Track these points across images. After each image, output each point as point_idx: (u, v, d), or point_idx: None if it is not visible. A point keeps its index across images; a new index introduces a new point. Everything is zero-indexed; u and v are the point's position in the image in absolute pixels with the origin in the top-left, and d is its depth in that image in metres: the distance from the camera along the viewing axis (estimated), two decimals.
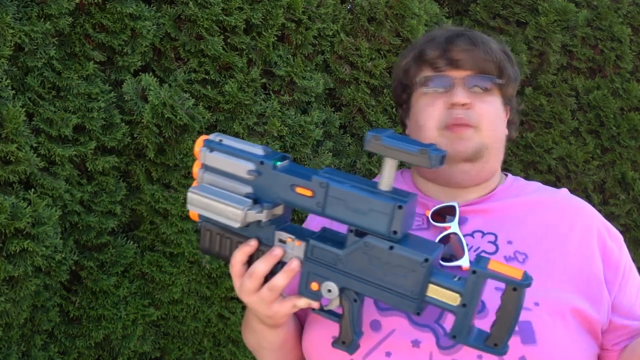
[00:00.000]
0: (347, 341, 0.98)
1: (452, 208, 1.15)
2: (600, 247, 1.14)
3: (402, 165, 1.20)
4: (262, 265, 0.96)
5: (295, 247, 0.96)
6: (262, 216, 0.93)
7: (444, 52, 1.17)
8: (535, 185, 1.26)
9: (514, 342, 0.98)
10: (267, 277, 0.97)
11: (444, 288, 0.88)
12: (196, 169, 0.98)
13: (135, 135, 1.87)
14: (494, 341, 0.87)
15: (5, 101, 1.57)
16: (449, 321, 1.02)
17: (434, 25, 2.42)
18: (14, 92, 1.60)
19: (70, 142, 1.75)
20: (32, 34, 1.60)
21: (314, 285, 0.95)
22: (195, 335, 2.16)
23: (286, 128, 2.02)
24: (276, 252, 0.95)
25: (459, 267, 1.08)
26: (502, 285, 0.88)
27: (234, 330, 2.16)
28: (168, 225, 1.94)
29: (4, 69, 1.58)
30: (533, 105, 2.89)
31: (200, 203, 0.95)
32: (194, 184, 0.99)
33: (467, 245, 1.10)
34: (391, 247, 0.89)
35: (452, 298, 0.88)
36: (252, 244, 0.97)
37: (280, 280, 0.95)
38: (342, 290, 0.94)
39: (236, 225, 0.92)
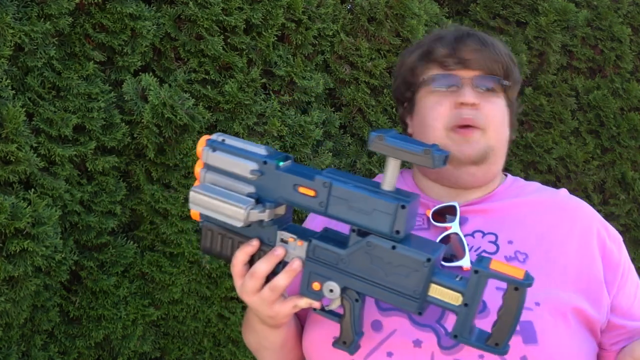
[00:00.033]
0: (347, 341, 0.98)
1: (453, 208, 1.15)
2: (600, 248, 1.14)
3: (402, 165, 1.20)
4: (263, 265, 0.96)
5: (297, 247, 0.96)
6: (265, 216, 0.93)
7: (454, 51, 1.17)
8: (535, 185, 1.26)
9: (516, 342, 0.98)
10: (269, 277, 0.97)
11: (446, 288, 0.88)
12: (198, 169, 0.98)
13: (135, 135, 1.87)
14: (495, 341, 0.88)
15: (5, 101, 1.57)
16: (450, 321, 1.02)
17: (434, 25, 2.42)
18: (14, 92, 1.60)
19: (70, 142, 1.75)
20: (32, 34, 1.60)
21: (316, 285, 0.95)
22: (195, 335, 2.16)
23: (286, 128, 2.02)
24: (278, 252, 0.95)
25: (460, 267, 1.08)
26: (503, 285, 0.88)
27: (234, 330, 2.16)
28: (168, 225, 1.94)
29: (4, 69, 1.58)
30: (533, 105, 2.89)
31: (202, 202, 0.95)
32: (196, 183, 0.99)
33: (467, 245, 1.10)
34: (394, 247, 0.89)
35: (454, 298, 0.88)
36: (254, 244, 0.97)
37: (282, 280, 0.95)
38: (343, 290, 0.94)
39: (239, 224, 0.92)
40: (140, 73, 1.86)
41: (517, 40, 2.75)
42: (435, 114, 1.16)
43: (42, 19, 1.64)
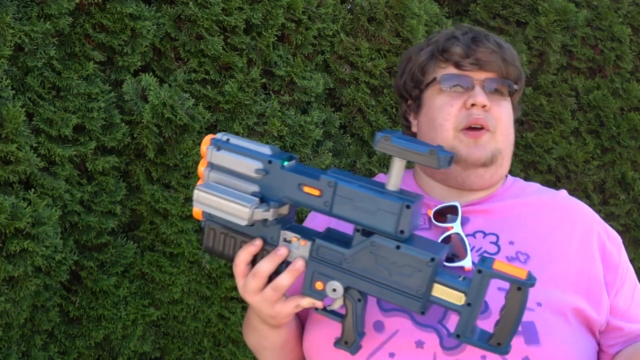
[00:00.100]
0: (349, 341, 0.98)
1: (454, 208, 1.15)
2: (600, 250, 1.14)
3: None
4: (266, 265, 0.95)
5: (301, 247, 0.96)
6: (269, 215, 0.94)
7: (470, 51, 1.16)
8: (535, 186, 1.26)
9: (518, 342, 0.98)
10: (271, 277, 0.97)
11: (449, 287, 0.89)
12: (202, 168, 0.98)
13: (135, 135, 1.87)
14: (497, 340, 0.88)
15: (5, 101, 1.57)
16: (452, 322, 1.02)
17: (434, 25, 2.42)
18: (14, 92, 1.60)
19: (70, 142, 1.75)
20: (32, 34, 1.60)
21: (319, 285, 0.95)
22: (195, 335, 2.16)
23: (286, 128, 2.02)
24: (281, 252, 0.95)
25: (462, 267, 1.08)
26: (505, 285, 0.88)
27: (234, 330, 2.16)
28: (168, 225, 1.94)
29: (4, 69, 1.58)
30: (533, 105, 2.89)
31: (207, 200, 0.95)
32: (199, 182, 0.99)
33: (469, 245, 1.10)
34: (398, 247, 0.90)
35: (457, 298, 0.88)
36: (257, 244, 0.96)
37: (285, 279, 0.95)
38: (346, 290, 0.94)
39: (243, 223, 0.92)
40: (140, 73, 1.86)
41: (517, 40, 2.75)
42: (445, 114, 1.16)
43: (42, 19, 1.64)
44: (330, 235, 0.97)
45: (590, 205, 1.24)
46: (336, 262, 0.94)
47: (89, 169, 1.81)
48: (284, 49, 2.09)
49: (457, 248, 1.10)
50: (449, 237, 1.12)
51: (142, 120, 1.81)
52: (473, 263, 1.08)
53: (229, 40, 1.94)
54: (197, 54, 1.92)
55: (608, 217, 2.92)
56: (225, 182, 0.96)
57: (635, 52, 2.93)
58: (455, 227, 1.12)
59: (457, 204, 1.15)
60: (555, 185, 2.94)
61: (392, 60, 2.28)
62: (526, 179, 1.31)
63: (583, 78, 2.94)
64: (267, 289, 0.96)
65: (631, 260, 1.23)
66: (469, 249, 1.09)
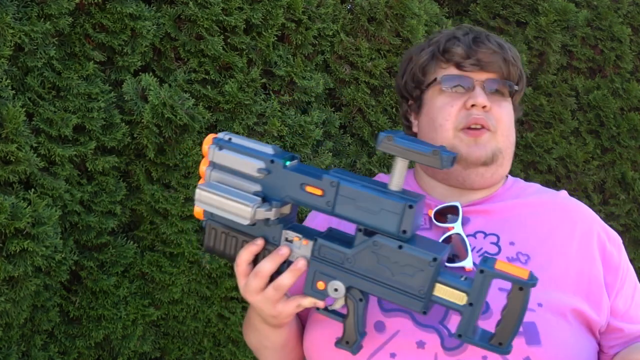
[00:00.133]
0: (350, 341, 0.98)
1: (455, 208, 1.15)
2: (601, 251, 1.14)
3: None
4: (268, 265, 0.95)
5: (303, 246, 0.96)
6: (271, 214, 0.94)
7: (471, 52, 1.16)
8: (535, 186, 1.26)
9: (519, 343, 0.98)
10: (272, 276, 0.97)
11: (451, 287, 0.89)
12: (203, 167, 0.98)
13: (135, 135, 1.87)
14: (499, 340, 0.88)
15: (5, 101, 1.57)
16: (453, 322, 1.02)
17: (434, 25, 2.42)
18: (14, 92, 1.60)
19: (70, 142, 1.75)
20: (32, 34, 1.60)
21: (320, 285, 0.95)
22: (195, 335, 2.16)
23: (286, 128, 2.02)
24: (283, 251, 0.95)
25: (462, 267, 1.08)
26: (506, 285, 0.88)
27: (234, 330, 2.16)
28: (168, 225, 1.94)
29: (4, 69, 1.58)
30: (533, 105, 2.89)
31: (208, 200, 0.95)
32: (200, 181, 0.98)
33: (470, 246, 1.10)
34: (400, 247, 0.90)
35: (458, 297, 0.89)
36: (259, 243, 0.96)
37: (287, 279, 0.95)
38: (348, 290, 0.95)
39: (245, 222, 0.92)
40: (140, 73, 1.86)
41: (517, 40, 2.75)
42: (445, 114, 1.16)
43: (42, 19, 1.64)
44: (332, 235, 0.97)
45: (590, 205, 1.24)
46: (338, 261, 0.94)
47: (89, 169, 1.81)
48: (284, 49, 2.09)
49: (458, 248, 1.10)
50: (449, 237, 1.12)
51: (142, 120, 1.81)
52: (474, 263, 1.08)
53: (229, 40, 1.94)
54: (197, 54, 1.92)
55: (608, 217, 2.93)
56: (227, 181, 0.96)
57: (635, 52, 2.93)
58: (456, 228, 1.12)
59: (457, 204, 1.15)
60: (555, 185, 2.94)
61: (392, 60, 2.28)
62: (526, 179, 1.31)
63: (583, 78, 2.94)
64: (269, 289, 0.96)
65: (631, 260, 1.23)
66: (469, 249, 1.09)
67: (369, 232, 0.92)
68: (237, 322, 2.14)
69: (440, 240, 1.11)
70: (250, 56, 2.00)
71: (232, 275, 2.09)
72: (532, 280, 0.85)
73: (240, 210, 0.92)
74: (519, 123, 2.90)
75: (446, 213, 1.15)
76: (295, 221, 1.01)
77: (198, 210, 0.99)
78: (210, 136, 0.98)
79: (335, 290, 0.95)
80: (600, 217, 1.23)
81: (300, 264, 0.95)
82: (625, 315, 1.12)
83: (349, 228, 0.99)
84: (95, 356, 1.99)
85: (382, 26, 2.25)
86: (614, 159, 2.96)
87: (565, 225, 1.16)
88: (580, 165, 2.94)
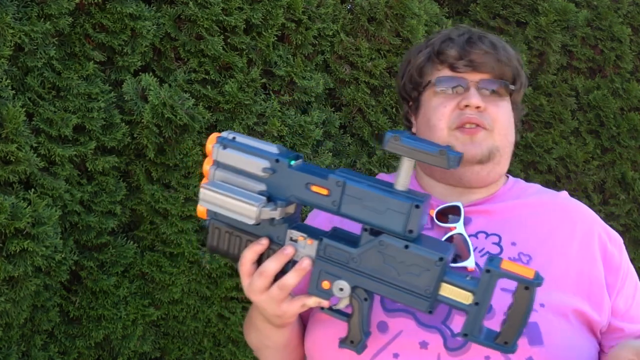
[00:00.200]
0: (355, 341, 0.98)
1: (456, 208, 1.15)
2: (602, 251, 1.14)
3: None
4: (273, 264, 0.95)
5: (307, 246, 0.95)
6: (276, 214, 0.93)
7: (464, 53, 1.17)
8: (536, 187, 1.26)
9: (522, 343, 0.99)
10: (277, 276, 0.97)
11: (457, 287, 0.89)
12: (207, 166, 0.97)
13: (135, 135, 1.87)
14: (504, 339, 0.88)
15: (5, 101, 1.57)
16: (455, 322, 1.02)
17: (434, 25, 2.42)
18: (14, 92, 1.60)
19: (70, 142, 1.75)
20: (32, 34, 1.60)
21: (325, 284, 0.95)
22: (195, 335, 2.16)
23: (286, 128, 2.02)
24: (288, 251, 0.95)
25: (464, 267, 1.08)
26: (508, 286, 0.88)
27: (234, 330, 2.16)
28: (168, 225, 1.94)
29: (4, 69, 1.58)
30: (533, 105, 2.89)
31: (213, 199, 0.95)
32: (204, 181, 0.98)
33: (472, 246, 1.10)
34: (406, 246, 0.90)
35: (464, 297, 0.89)
36: (264, 243, 0.96)
37: (291, 279, 0.95)
38: (353, 289, 0.94)
39: (250, 222, 0.92)
40: (140, 73, 1.86)
41: (517, 40, 2.75)
42: (439, 114, 1.16)
43: (42, 19, 1.64)
44: (337, 235, 0.97)
45: (590, 206, 1.24)
46: (343, 261, 0.94)
47: (89, 169, 1.81)
48: (284, 49, 2.09)
49: (460, 248, 1.10)
50: (451, 237, 1.12)
51: (142, 120, 1.81)
52: (476, 263, 1.08)
53: (229, 40, 1.94)
54: (197, 54, 1.92)
55: (608, 217, 2.93)
56: (232, 180, 0.96)
57: (635, 52, 2.93)
58: (458, 228, 1.12)
59: (459, 204, 1.15)
60: (555, 185, 2.94)
61: (392, 60, 2.28)
62: (526, 179, 1.31)
63: (583, 78, 2.94)
64: (273, 288, 0.96)
65: (631, 260, 1.23)
66: (472, 249, 1.09)
67: (375, 232, 0.92)
68: (237, 322, 2.14)
69: (443, 240, 1.11)
70: (250, 56, 2.00)
71: (232, 275, 2.09)
72: (538, 280, 0.86)
73: (246, 210, 0.92)
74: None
75: (447, 213, 1.15)
76: (299, 220, 1.01)
77: (201, 210, 0.98)
78: (214, 135, 0.97)
79: (341, 289, 0.94)
80: (600, 217, 1.23)
81: (305, 264, 0.95)
82: (626, 315, 1.12)
83: (351, 226, 0.99)
84: (95, 356, 1.99)
85: (382, 26, 2.25)
86: (614, 159, 2.96)
87: (566, 225, 1.16)
88: (580, 165, 2.94)
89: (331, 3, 2.17)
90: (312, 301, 0.97)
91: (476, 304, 0.88)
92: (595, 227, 1.17)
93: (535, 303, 1.01)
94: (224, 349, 2.20)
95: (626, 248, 1.20)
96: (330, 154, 2.15)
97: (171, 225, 1.94)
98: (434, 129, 1.17)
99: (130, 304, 1.97)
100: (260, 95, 2.01)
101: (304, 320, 1.21)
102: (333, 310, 0.98)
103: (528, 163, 2.93)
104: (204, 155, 1.90)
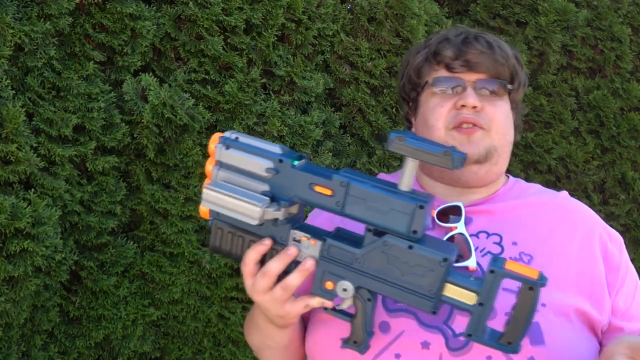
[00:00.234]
0: (358, 341, 0.98)
1: (457, 208, 1.15)
2: (602, 251, 1.14)
3: (402, 165, 1.21)
4: (276, 265, 0.95)
5: (311, 246, 0.95)
6: (280, 214, 0.93)
7: (460, 53, 1.17)
8: (536, 187, 1.26)
9: (523, 343, 0.98)
10: (280, 276, 0.97)
11: (461, 287, 0.89)
12: (210, 166, 0.97)
13: (135, 135, 1.87)
14: (508, 339, 0.89)
15: (5, 101, 1.57)
16: (457, 322, 1.03)
17: (434, 25, 2.42)
18: (14, 92, 1.60)
19: (70, 142, 1.75)
20: (32, 34, 1.60)
21: (329, 285, 0.95)
22: (195, 335, 2.16)
23: (286, 128, 2.02)
24: (291, 251, 0.95)
25: (466, 267, 1.08)
26: (510, 285, 0.88)
27: (234, 330, 2.16)
28: (168, 225, 1.94)
29: (4, 69, 1.58)
30: (533, 105, 2.89)
31: (216, 199, 0.94)
32: (206, 181, 0.98)
33: (473, 246, 1.10)
34: (410, 247, 0.90)
35: (468, 297, 0.89)
36: (267, 243, 0.96)
37: (295, 279, 0.95)
38: (357, 290, 0.94)
39: (254, 222, 0.92)
40: (140, 73, 1.86)
41: (517, 40, 2.75)
42: (436, 114, 1.17)
43: (42, 19, 1.64)
44: (341, 235, 0.97)
45: (590, 206, 1.24)
46: (347, 261, 0.93)
47: (89, 169, 1.81)
48: (284, 49, 2.09)
49: (461, 248, 1.10)
50: (452, 237, 1.12)
51: (142, 120, 1.81)
52: (478, 263, 1.08)
53: (229, 40, 1.94)
54: (197, 54, 1.92)
55: (608, 217, 2.93)
56: (234, 181, 0.96)
57: (635, 52, 2.93)
58: (459, 227, 1.12)
59: (460, 204, 1.15)
60: (555, 185, 2.94)
61: (392, 60, 2.28)
62: (526, 179, 1.31)
63: (583, 78, 2.94)
64: (277, 289, 0.96)
65: (631, 260, 1.23)
66: (473, 249, 1.09)
67: (379, 232, 0.92)
68: (237, 322, 2.14)
69: (444, 240, 1.11)
70: (250, 56, 2.00)
71: (232, 275, 2.09)
72: (542, 280, 0.86)
73: (249, 210, 0.92)
74: None
75: (448, 213, 1.15)
76: (302, 221, 1.01)
77: (204, 210, 0.98)
78: (217, 135, 0.97)
79: (344, 290, 0.94)
80: (600, 217, 1.23)
81: (308, 264, 0.95)
82: (626, 314, 1.12)
83: (353, 226, 0.99)
84: (95, 356, 1.99)
85: (382, 26, 2.25)
86: (614, 159, 2.96)
87: (566, 225, 1.16)
88: (580, 165, 2.94)
89: (331, 3, 2.17)
90: (316, 302, 0.97)
91: (480, 304, 0.88)
92: (596, 227, 1.17)
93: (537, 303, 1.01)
94: (224, 349, 2.20)
95: (626, 248, 1.20)
96: (330, 154, 2.16)
97: (171, 225, 1.94)
98: (431, 129, 1.17)
99: (130, 304, 1.97)
100: (260, 95, 2.01)
101: (304, 320, 1.21)
102: (336, 311, 0.98)
103: (528, 163, 2.93)
104: (204, 155, 1.92)
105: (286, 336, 1.12)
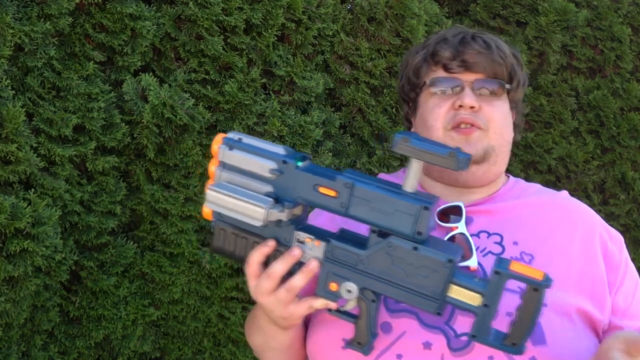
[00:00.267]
0: (362, 342, 0.98)
1: (458, 208, 1.15)
2: (602, 250, 1.14)
3: (402, 165, 1.21)
4: (280, 266, 0.95)
5: (315, 248, 0.95)
6: (284, 215, 0.93)
7: (457, 53, 1.17)
8: (536, 187, 1.26)
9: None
10: (283, 278, 0.97)
11: (465, 289, 0.89)
12: (213, 167, 0.97)
13: (135, 135, 1.87)
14: (513, 340, 0.89)
15: (5, 101, 1.57)
16: (459, 323, 1.03)
17: (434, 25, 2.42)
18: (14, 92, 1.60)
19: (70, 142, 1.75)
20: (32, 34, 1.60)
21: (333, 286, 0.95)
22: (195, 335, 2.16)
23: (286, 128, 2.02)
24: (295, 253, 0.95)
25: (467, 267, 1.08)
26: (511, 286, 0.88)
27: (234, 330, 2.16)
28: (168, 225, 1.94)
29: (4, 69, 1.58)
30: (533, 105, 2.89)
31: (220, 201, 0.94)
32: (209, 182, 0.97)
33: (474, 245, 1.11)
34: (415, 248, 0.90)
35: (473, 298, 0.89)
36: (271, 244, 0.96)
37: (299, 280, 0.95)
38: (361, 291, 0.94)
39: (258, 224, 0.92)
40: (140, 73, 1.86)
41: (517, 40, 2.75)
42: (435, 115, 1.17)
43: (42, 19, 1.64)
44: (345, 236, 0.97)
45: (590, 205, 1.24)
46: (352, 263, 0.93)
47: (89, 169, 1.81)
48: (284, 49, 2.09)
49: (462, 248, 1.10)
50: (453, 237, 1.12)
51: (142, 120, 1.81)
52: (479, 263, 1.08)
53: (229, 40, 1.94)
54: (197, 54, 1.92)
55: (608, 217, 2.93)
56: (238, 182, 0.95)
57: (635, 52, 2.93)
58: (460, 227, 1.12)
59: (461, 204, 1.15)
60: (555, 185, 2.94)
61: (392, 60, 2.28)
62: (526, 179, 1.31)
63: (583, 78, 2.94)
64: (281, 290, 0.96)
65: (631, 260, 1.23)
66: (474, 249, 1.09)
67: (383, 234, 0.91)
68: (237, 322, 2.14)
69: (445, 240, 1.11)
70: (250, 56, 2.00)
71: (232, 275, 2.09)
72: (547, 282, 0.86)
73: (253, 212, 0.92)
74: None
75: (449, 213, 1.15)
76: (306, 222, 1.01)
77: (207, 211, 0.98)
78: (220, 136, 0.97)
79: (349, 291, 0.94)
80: (600, 217, 1.23)
81: (312, 265, 0.94)
82: (626, 313, 1.12)
83: (353, 226, 0.99)
84: (95, 356, 1.99)
85: (382, 26, 2.25)
86: (614, 159, 2.96)
87: (566, 225, 1.16)
88: (580, 165, 2.94)
89: (331, 3, 2.17)
90: (320, 303, 0.97)
91: (485, 305, 0.88)
92: (596, 226, 1.17)
93: None
94: (224, 349, 2.20)
95: (626, 248, 1.21)
96: (330, 154, 2.16)
97: (171, 225, 1.94)
98: (430, 130, 1.17)
99: (130, 304, 1.97)
100: (260, 95, 2.01)
101: (305, 321, 1.21)
102: (340, 312, 0.98)
103: (528, 163, 2.93)
104: (204, 155, 1.91)
105: (289, 337, 1.12)
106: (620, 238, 1.19)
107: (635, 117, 2.86)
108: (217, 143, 0.96)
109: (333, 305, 0.97)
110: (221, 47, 1.90)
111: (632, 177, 2.93)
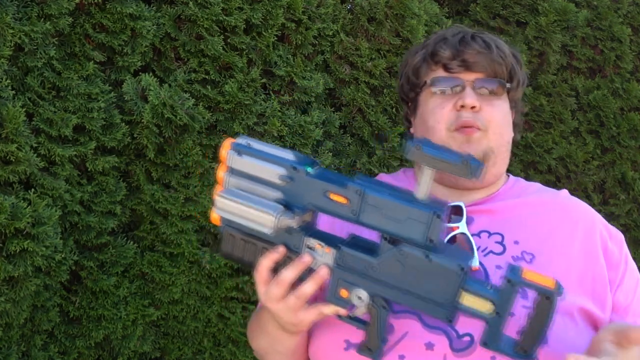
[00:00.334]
0: (373, 348, 0.97)
1: (458, 208, 1.15)
2: (603, 249, 1.14)
3: (402, 165, 1.21)
4: (290, 273, 0.94)
5: (325, 254, 0.94)
6: (294, 222, 0.92)
7: (457, 53, 1.17)
8: (536, 186, 1.26)
9: None
10: (293, 284, 0.96)
11: (477, 296, 0.89)
12: (221, 173, 0.96)
13: (135, 135, 1.87)
14: (524, 348, 0.89)
15: (5, 101, 1.57)
16: (461, 323, 1.02)
17: (434, 25, 2.42)
18: (14, 92, 1.60)
19: (70, 142, 1.75)
20: (32, 34, 1.60)
21: (344, 292, 0.94)
22: (195, 335, 2.16)
23: (286, 128, 2.02)
24: (305, 259, 0.94)
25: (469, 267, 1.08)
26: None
27: (234, 330, 2.16)
28: (168, 225, 1.94)
29: (4, 69, 1.58)
30: (533, 105, 2.89)
31: (229, 208, 0.93)
32: (217, 187, 0.96)
33: (475, 245, 1.11)
34: (427, 256, 0.89)
35: (485, 306, 0.89)
36: (280, 251, 0.95)
37: (309, 287, 0.94)
38: (371, 298, 0.94)
39: (268, 231, 0.91)
40: (140, 73, 1.86)
41: (517, 40, 2.75)
42: (437, 116, 1.17)
43: (42, 19, 1.64)
44: (355, 243, 0.96)
45: (590, 205, 1.24)
46: (362, 269, 0.93)
47: (89, 169, 1.81)
48: (284, 49, 2.09)
49: (464, 248, 1.10)
50: (454, 237, 1.12)
51: (142, 120, 1.81)
52: (480, 263, 1.08)
53: (229, 40, 1.94)
54: (197, 54, 1.92)
55: (608, 217, 2.91)
56: (247, 188, 0.94)
57: (635, 52, 2.93)
58: (461, 227, 1.12)
59: (461, 204, 1.15)
60: (555, 185, 2.94)
61: (392, 60, 2.28)
62: (526, 179, 1.31)
63: (583, 78, 2.94)
64: (291, 297, 0.95)
65: None
66: (475, 249, 1.09)
67: (394, 241, 0.91)
68: (237, 322, 2.14)
69: (446, 240, 1.12)
70: (250, 56, 2.00)
71: (232, 275, 2.09)
72: (559, 290, 0.86)
73: (263, 219, 0.91)
74: None
75: (450, 213, 1.15)
76: (316, 228, 1.00)
77: (215, 217, 0.97)
78: (229, 141, 0.95)
79: (359, 298, 0.94)
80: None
81: (322, 272, 0.94)
82: (627, 310, 1.12)
83: (353, 228, 0.99)
84: (95, 356, 1.99)
85: (382, 26, 2.25)
86: (614, 159, 2.96)
87: (567, 224, 1.16)
88: (580, 165, 2.94)
89: (331, 3, 2.17)
90: (330, 309, 0.97)
91: (497, 313, 0.88)
92: (596, 225, 1.17)
93: None
94: (224, 349, 2.20)
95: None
96: (330, 154, 2.15)
97: (171, 225, 1.94)
98: (432, 130, 1.17)
99: (130, 304, 1.97)
100: (260, 95, 2.01)
101: None
102: (351, 318, 0.98)
103: (528, 163, 2.93)
104: (204, 155, 1.91)
105: (296, 342, 1.12)
106: (620, 236, 1.19)
107: (635, 117, 2.86)
108: (226, 148, 0.95)
109: (343, 312, 0.97)
110: (221, 47, 1.90)
111: (632, 177, 2.93)
